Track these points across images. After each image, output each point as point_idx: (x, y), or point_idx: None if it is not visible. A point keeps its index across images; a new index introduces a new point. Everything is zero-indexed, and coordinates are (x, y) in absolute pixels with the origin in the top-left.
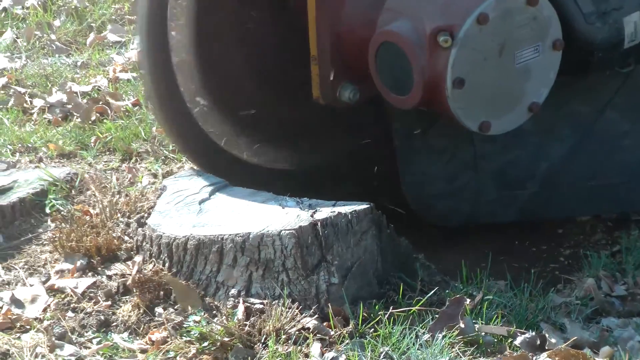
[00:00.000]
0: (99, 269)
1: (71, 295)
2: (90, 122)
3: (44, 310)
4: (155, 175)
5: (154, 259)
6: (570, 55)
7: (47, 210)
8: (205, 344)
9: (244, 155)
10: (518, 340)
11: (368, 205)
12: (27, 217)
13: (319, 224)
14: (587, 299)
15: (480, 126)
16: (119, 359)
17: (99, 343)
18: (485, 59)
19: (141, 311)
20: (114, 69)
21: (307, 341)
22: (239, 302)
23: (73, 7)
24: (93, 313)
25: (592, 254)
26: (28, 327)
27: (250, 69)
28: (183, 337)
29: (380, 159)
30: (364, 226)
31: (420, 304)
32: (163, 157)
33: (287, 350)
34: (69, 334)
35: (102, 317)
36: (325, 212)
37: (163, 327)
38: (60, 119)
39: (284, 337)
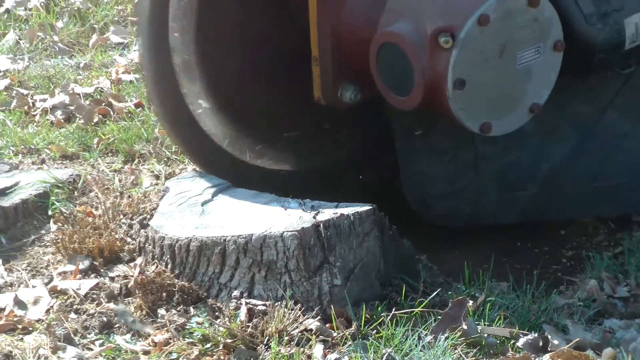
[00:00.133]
0: (102, 270)
1: (74, 297)
2: (92, 123)
3: (47, 311)
4: (157, 177)
5: (156, 261)
6: (571, 56)
7: (50, 212)
8: (208, 345)
9: (246, 157)
10: (520, 342)
11: (370, 207)
12: (30, 219)
13: (321, 225)
14: (590, 300)
15: (481, 127)
16: None
17: (101, 345)
18: (486, 60)
19: (144, 313)
20: (116, 70)
21: (310, 343)
22: (241, 304)
23: (76, 8)
24: (96, 315)
25: (594, 256)
26: (31, 328)
27: (252, 70)
28: (186, 339)
29: (381, 160)
30: (366, 228)
31: (422, 305)
32: (165, 159)
33: (289, 351)
34: (72, 335)
35: (105, 319)
36: (327, 213)
37: (165, 328)
38: (62, 120)
39: (286, 338)
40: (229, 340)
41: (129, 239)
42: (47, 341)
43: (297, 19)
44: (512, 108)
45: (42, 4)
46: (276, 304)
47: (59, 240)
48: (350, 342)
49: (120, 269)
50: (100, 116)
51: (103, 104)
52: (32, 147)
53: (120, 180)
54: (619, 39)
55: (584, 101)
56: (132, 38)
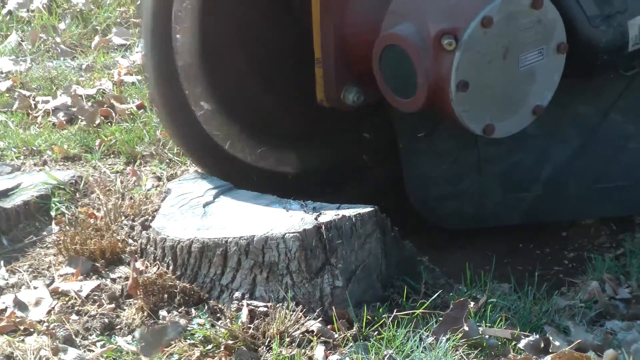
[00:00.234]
0: (103, 272)
1: (75, 298)
2: (94, 125)
3: (48, 313)
4: (159, 179)
5: (158, 262)
6: (574, 58)
7: (52, 214)
8: (209, 346)
9: (248, 158)
10: (522, 343)
11: (372, 208)
12: (32, 220)
13: (323, 227)
14: (591, 301)
15: (484, 129)
16: None
17: (102, 346)
18: (490, 62)
19: (145, 314)
20: (118, 72)
21: (311, 344)
22: (243, 305)
23: (78, 10)
24: (97, 316)
25: (596, 257)
26: (32, 330)
27: (255, 72)
28: (187, 340)
29: (384, 162)
30: (368, 229)
31: (424, 307)
32: (167, 160)
33: (291, 353)
34: (73, 337)
35: (106, 320)
36: (329, 215)
37: None
38: (64, 122)
39: (287, 340)
40: (230, 342)
41: (130, 241)
42: (49, 343)
43: (300, 21)
44: (515, 110)
45: (44, 6)
46: (277, 305)
47: (60, 242)
48: (351, 344)
49: (121, 271)
50: (102, 118)
51: (105, 106)
52: (34, 148)
53: (122, 182)
54: (622, 40)
55: (587, 103)
56: (135, 40)
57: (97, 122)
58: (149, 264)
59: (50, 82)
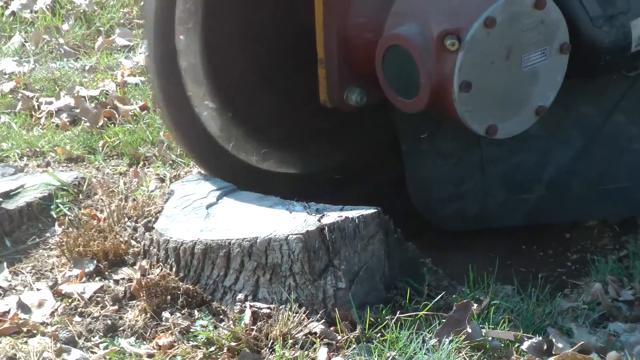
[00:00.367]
0: (106, 273)
1: (78, 300)
2: (98, 126)
3: (51, 314)
4: (162, 180)
5: (161, 264)
6: (577, 58)
7: (55, 215)
8: (212, 348)
9: (251, 160)
10: (525, 345)
11: (375, 210)
12: (35, 222)
13: (326, 228)
14: (594, 303)
15: (487, 130)
16: None
17: (105, 348)
18: (493, 62)
19: (148, 316)
20: (122, 73)
21: (314, 346)
22: (246, 307)
23: (81, 11)
24: (100, 318)
25: (599, 259)
26: (35, 331)
27: (258, 73)
28: (190, 342)
29: (387, 163)
30: (371, 231)
31: (427, 308)
32: (170, 162)
33: (294, 355)
34: (76, 338)
35: (109, 322)
36: (332, 216)
37: (170, 331)
38: (68, 123)
39: (290, 341)
40: (233, 344)
41: (133, 242)
42: (51, 344)
43: (303, 21)
44: (518, 110)
45: (47, 7)
46: (280, 307)
47: (63, 243)
48: (354, 346)
49: (124, 272)
50: (105, 119)
51: (108, 107)
52: (37, 149)
53: (125, 183)
54: (625, 41)
55: (590, 104)
56: (138, 41)
57: (101, 123)
58: (152, 266)
59: (53, 83)
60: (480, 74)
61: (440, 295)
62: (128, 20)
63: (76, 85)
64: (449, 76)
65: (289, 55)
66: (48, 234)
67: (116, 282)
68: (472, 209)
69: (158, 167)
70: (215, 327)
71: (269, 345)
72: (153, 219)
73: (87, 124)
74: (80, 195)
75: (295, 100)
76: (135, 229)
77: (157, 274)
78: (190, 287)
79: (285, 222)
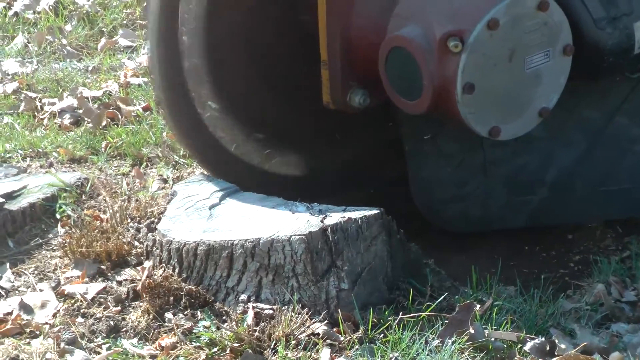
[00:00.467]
0: (109, 274)
1: (81, 301)
2: (101, 127)
3: (54, 315)
4: (165, 181)
5: (164, 265)
6: (580, 60)
7: (58, 216)
8: (215, 349)
9: (254, 161)
10: (528, 346)
11: (378, 211)
12: (38, 223)
13: (329, 229)
14: (597, 304)
15: (490, 131)
16: None
17: (108, 349)
18: (496, 64)
19: (151, 317)
20: (125, 73)
21: (317, 347)
22: (248, 308)
23: (84, 11)
24: (103, 318)
25: (602, 260)
26: (38, 332)
27: (261, 74)
28: (193, 343)
29: (390, 164)
30: (374, 231)
31: (430, 309)
32: (173, 162)
33: (296, 355)
34: (79, 339)
35: (112, 323)
36: (335, 217)
37: (173, 332)
38: (70, 124)
39: (293, 342)
40: (236, 345)
41: (136, 243)
42: (54, 345)
43: (305, 23)
44: (521, 112)
45: (50, 8)
46: (283, 308)
47: (66, 244)
48: (357, 347)
49: (127, 273)
50: (108, 120)
51: (111, 108)
52: (40, 150)
53: (128, 184)
54: (628, 43)
55: (593, 105)
56: (141, 41)
57: (103, 124)
58: (154, 267)
59: (56, 84)
60: (483, 75)
61: (443, 296)
62: (131, 21)
63: (79, 86)
64: (452, 78)
65: (291, 56)
66: (51, 235)
67: (119, 283)
68: (475, 211)
69: (161, 167)
70: (218, 328)
71: (272, 346)
72: (156, 220)
73: (90, 124)
74: (83, 196)
75: (298, 102)
76: (138, 230)
77: (160, 275)
78: (193, 288)
79: (288, 223)
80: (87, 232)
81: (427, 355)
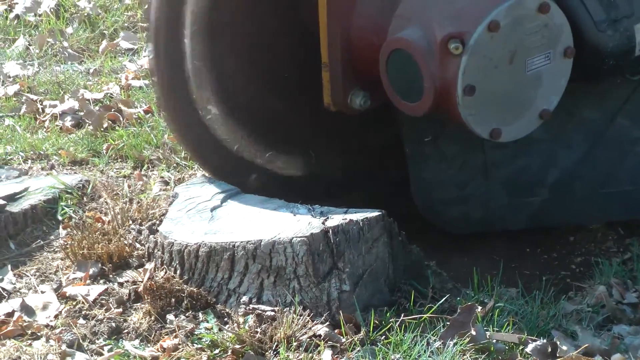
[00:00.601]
0: (111, 276)
1: (82, 303)
2: (102, 129)
3: (55, 317)
4: (167, 183)
5: (165, 266)
6: (581, 62)
7: (59, 218)
8: (217, 351)
9: (255, 163)
10: (529, 348)
11: (379, 213)
12: (39, 224)
13: (330, 231)
14: (599, 306)
15: (490, 133)
16: None
17: (110, 350)
18: (496, 66)
19: (152, 318)
20: (126, 76)
21: (319, 348)
22: (250, 310)
23: (85, 14)
24: (104, 320)
25: (603, 262)
26: (39, 334)
27: (263, 76)
28: (194, 345)
29: (391, 166)
30: (375, 233)
31: (431, 311)
32: (175, 165)
33: (298, 357)
34: (80, 341)
35: (114, 324)
36: (336, 219)
37: (174, 334)
38: (72, 126)
39: (295, 344)
40: (237, 346)
41: (138, 245)
42: (56, 347)
43: (306, 25)
44: (522, 114)
45: (52, 10)
46: (285, 309)
47: (68, 246)
48: (358, 348)
49: (129, 275)
50: (109, 122)
51: (112, 110)
52: (42, 152)
53: (129, 186)
54: (629, 45)
55: (593, 107)
56: (142, 44)
57: (105, 126)
58: (156, 268)
59: (57, 86)
60: (484, 77)
61: (444, 298)
62: (132, 23)
63: (80, 89)
64: (453, 80)
65: (292, 58)
66: (52, 237)
67: (120, 284)
68: (476, 212)
69: (162, 170)
70: (220, 330)
71: (274, 348)
72: (157, 222)
73: (91, 127)
74: (85, 198)
75: (299, 104)
76: (139, 232)
77: (162, 277)
78: (195, 289)
79: (290, 224)
80: (88, 234)
81: (429, 357)
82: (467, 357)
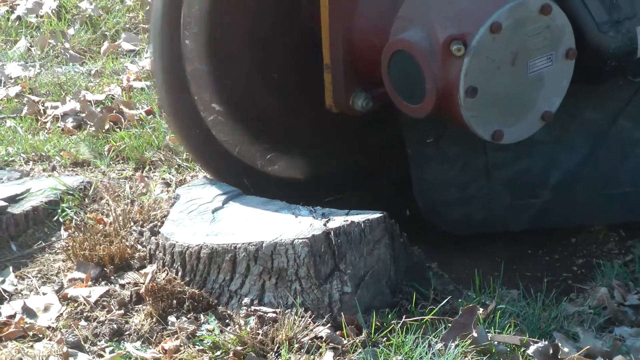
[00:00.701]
0: (112, 277)
1: (84, 304)
2: (103, 130)
3: (57, 319)
4: (168, 184)
5: (167, 268)
6: (583, 64)
7: (61, 219)
8: (218, 353)
9: (257, 164)
10: (531, 350)
11: (381, 214)
12: (41, 226)
13: (332, 232)
14: (600, 308)
15: (492, 135)
16: None
17: (111, 352)
18: (498, 67)
19: (154, 320)
20: (127, 77)
21: (320, 350)
22: (251, 311)
23: (87, 15)
24: (106, 322)
25: (605, 263)
26: (41, 336)
27: (264, 78)
28: (196, 346)
29: (393, 168)
30: (376, 235)
31: (433, 313)
32: (176, 166)
33: (299, 359)
34: (82, 342)
35: (115, 326)
36: (338, 221)
37: (176, 336)
38: (73, 127)
39: (296, 346)
40: (239, 348)
41: (139, 246)
42: (58, 349)
43: (308, 26)
44: (524, 116)
45: (53, 11)
46: (286, 311)
47: (69, 248)
48: (360, 350)
49: (130, 276)
50: (111, 123)
51: (114, 111)
52: (43, 154)
53: (131, 188)
54: (631, 46)
55: (595, 109)
56: (144, 45)
57: (106, 127)
58: (158, 270)
59: (59, 87)
60: (486, 79)
61: (446, 300)
62: (134, 24)
63: (82, 90)
64: (455, 81)
65: (294, 60)
66: (54, 238)
67: (122, 286)
68: (478, 213)
69: (164, 171)
70: (221, 332)
71: (275, 350)
72: (159, 223)
73: (93, 128)
74: (86, 200)
75: (301, 105)
76: (141, 233)
77: (163, 278)
78: (196, 291)
79: (291, 226)
80: (90, 235)
81: (430, 358)
82: (469, 359)
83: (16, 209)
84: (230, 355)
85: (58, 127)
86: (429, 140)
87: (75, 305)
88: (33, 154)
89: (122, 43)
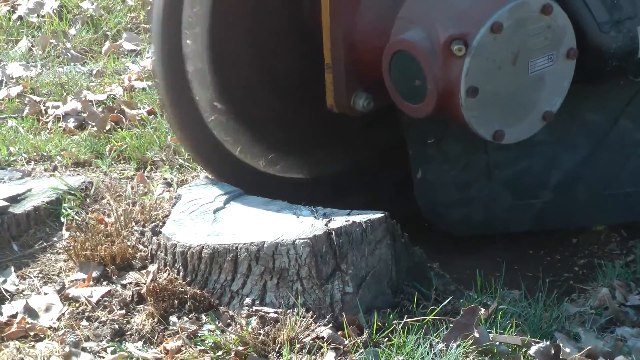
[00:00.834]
0: (114, 277)
1: (86, 304)
2: (105, 130)
3: (59, 319)
4: (169, 184)
5: (168, 268)
6: (584, 64)
7: (62, 219)
8: (220, 353)
9: (258, 164)
10: (532, 350)
11: (382, 214)
12: (42, 226)
13: (333, 233)
14: (602, 308)
15: (493, 135)
16: None
17: (113, 352)
18: (499, 67)
19: (155, 320)
20: (129, 77)
21: (322, 350)
22: (253, 311)
23: (88, 15)
24: (107, 322)
25: (606, 264)
26: (42, 336)
27: (264, 78)
28: (197, 346)
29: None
30: (378, 235)
31: (434, 313)
32: (178, 166)
33: (301, 359)
34: (84, 343)
35: (117, 326)
36: (339, 221)
37: (177, 336)
38: (75, 127)
39: (298, 346)
40: (240, 348)
41: (141, 247)
42: (59, 349)
43: (310, 26)
44: (525, 116)
45: (55, 11)
46: (288, 311)
47: (70, 248)
48: (361, 350)
49: (132, 277)
50: (112, 123)
51: (115, 111)
52: (45, 154)
53: (132, 188)
54: (632, 46)
55: (596, 109)
56: (145, 45)
57: (108, 127)
58: (159, 270)
59: (60, 87)
60: (487, 79)
61: (447, 300)
62: (135, 24)
63: (83, 90)
64: (456, 81)
65: (295, 60)
66: (55, 238)
67: (123, 286)
68: (478, 214)
69: (165, 171)
70: (223, 332)
71: (277, 350)
72: (160, 223)
73: (94, 128)
74: (88, 200)
75: (302, 105)
76: (142, 234)
77: (165, 279)
78: (198, 291)
79: (293, 226)
80: (91, 235)
81: (432, 359)
82: (470, 359)
83: (18, 209)
84: (232, 355)
85: (59, 127)
86: (430, 141)
87: (77, 305)
88: (34, 154)
89: (123, 43)
